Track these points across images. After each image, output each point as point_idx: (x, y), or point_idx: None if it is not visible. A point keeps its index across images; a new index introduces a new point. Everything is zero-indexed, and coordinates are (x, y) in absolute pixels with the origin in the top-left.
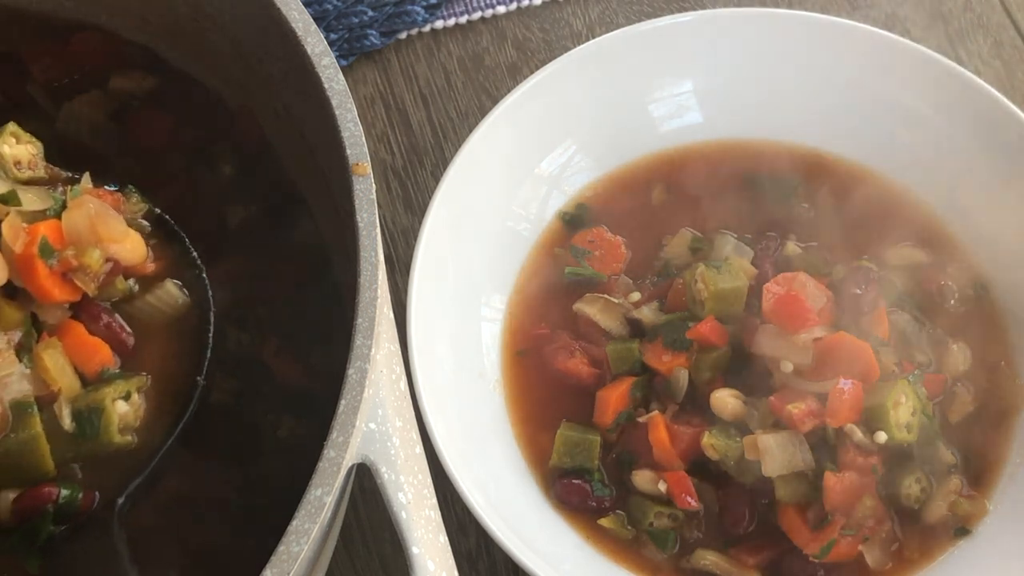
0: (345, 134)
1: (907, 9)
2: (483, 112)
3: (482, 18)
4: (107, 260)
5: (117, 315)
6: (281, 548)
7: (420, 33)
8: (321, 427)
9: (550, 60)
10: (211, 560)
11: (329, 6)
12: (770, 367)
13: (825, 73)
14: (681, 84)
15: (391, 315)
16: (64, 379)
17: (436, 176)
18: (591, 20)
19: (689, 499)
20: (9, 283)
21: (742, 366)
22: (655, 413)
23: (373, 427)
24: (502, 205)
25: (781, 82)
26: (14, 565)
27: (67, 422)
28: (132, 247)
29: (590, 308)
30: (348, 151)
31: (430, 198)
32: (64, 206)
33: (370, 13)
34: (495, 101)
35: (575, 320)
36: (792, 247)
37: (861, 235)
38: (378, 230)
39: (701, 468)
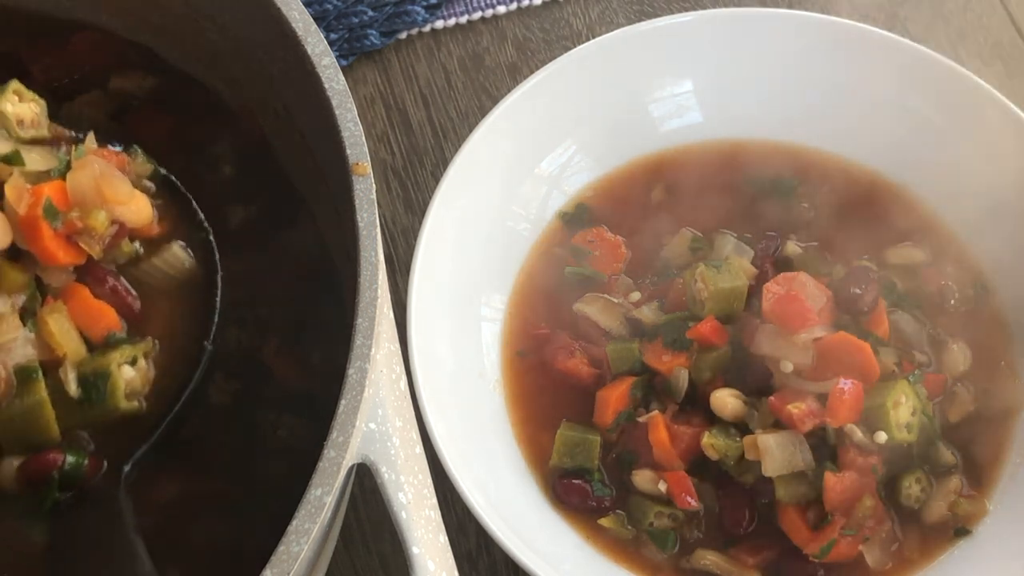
0: (345, 134)
1: (907, 9)
2: (483, 112)
3: (482, 18)
4: (113, 222)
5: (123, 278)
6: (281, 548)
7: (420, 33)
8: (321, 427)
9: (550, 60)
10: (211, 560)
11: (329, 6)
12: (770, 367)
13: (825, 73)
14: (681, 84)
15: (391, 315)
16: (69, 344)
17: (436, 176)
18: (591, 20)
19: (689, 499)
20: (13, 246)
21: (742, 366)
22: (655, 413)
23: (373, 427)
24: (502, 205)
25: (781, 82)
26: (19, 532)
27: (73, 387)
28: (138, 209)
29: (590, 308)
30: (348, 151)
31: (430, 198)
32: (68, 166)
33: (370, 13)
34: (495, 101)
35: (575, 320)
36: (792, 247)
37: (861, 235)
38: (378, 230)
39: (701, 468)
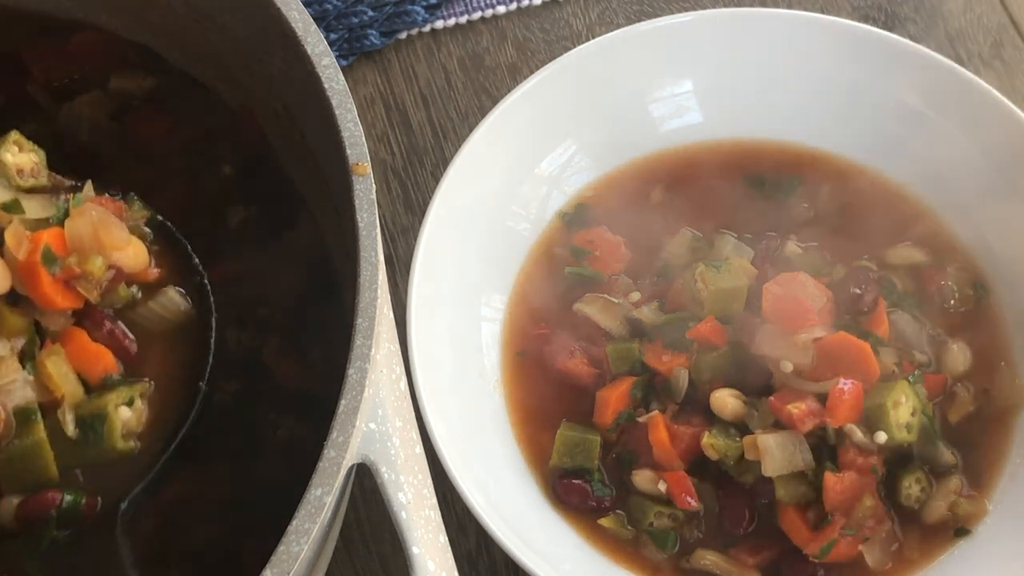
0: (345, 134)
1: (907, 9)
2: (483, 112)
3: (482, 18)
4: (110, 267)
5: (120, 322)
6: (281, 548)
7: (420, 33)
8: (321, 427)
9: (550, 60)
10: (211, 560)
11: (329, 6)
12: (770, 367)
13: (825, 73)
14: (681, 84)
15: (391, 315)
16: (67, 386)
17: (436, 176)
18: (591, 20)
19: (689, 499)
20: (12, 291)
21: (742, 366)
22: (655, 413)
23: (373, 427)
24: (502, 205)
25: (781, 82)
26: (17, 570)
27: (70, 428)
28: (135, 254)
29: (590, 308)
30: (348, 151)
31: (430, 198)
32: (67, 214)
33: (370, 13)
34: (495, 101)
35: (575, 320)
36: (792, 247)
37: (861, 235)
38: (378, 230)
39: (701, 468)
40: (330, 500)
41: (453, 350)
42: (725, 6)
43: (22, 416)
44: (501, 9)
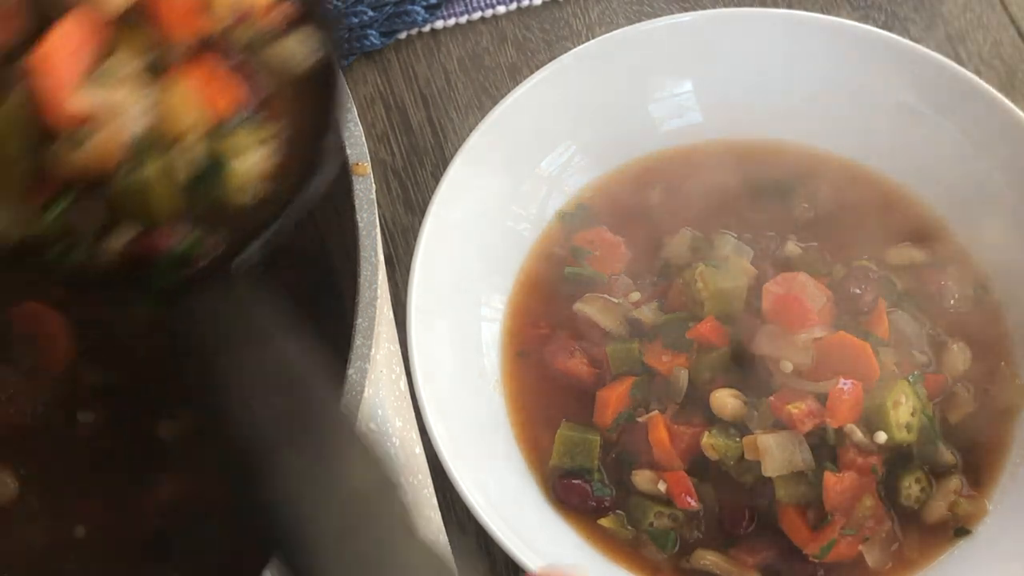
0: (345, 134)
1: (907, 9)
2: (483, 112)
3: (482, 18)
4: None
5: (247, 59)
6: None
7: (420, 33)
8: None
9: (550, 60)
10: (211, 560)
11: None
12: (770, 367)
13: (825, 73)
14: (681, 84)
15: (391, 315)
16: (189, 120)
17: (436, 176)
18: (591, 20)
19: (689, 499)
20: (135, 8)
21: (742, 366)
22: (655, 413)
23: (373, 427)
24: (502, 205)
25: (781, 82)
26: (125, 315)
27: (187, 168)
28: None
29: (590, 308)
30: (348, 151)
31: (430, 198)
32: None
33: (370, 13)
34: (495, 101)
35: (575, 320)
36: (792, 247)
37: (861, 235)
38: (378, 230)
39: (701, 468)
40: None
41: (453, 350)
42: (725, 6)
43: (139, 146)
44: (501, 9)
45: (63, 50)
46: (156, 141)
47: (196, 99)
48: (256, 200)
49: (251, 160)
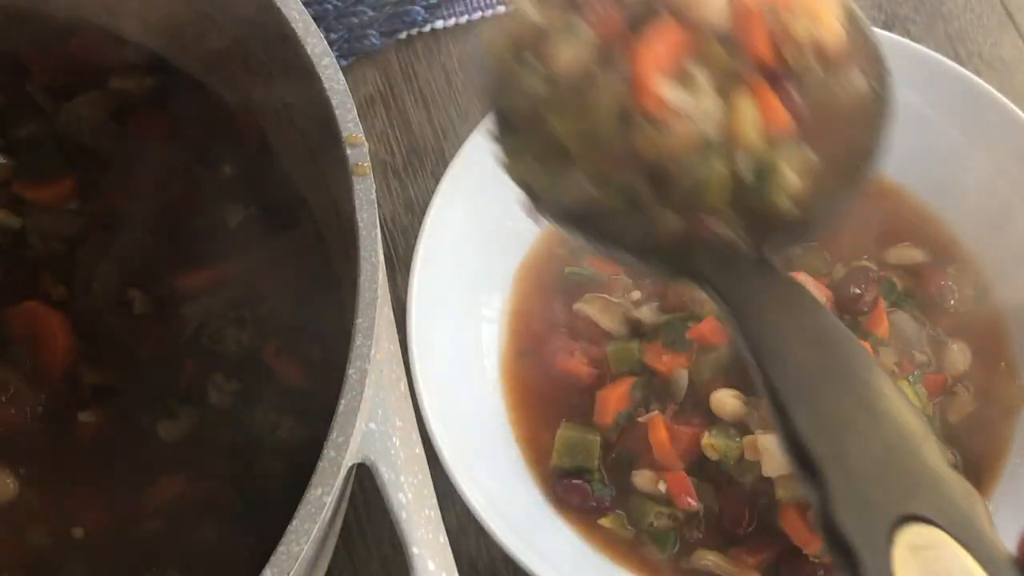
0: (345, 134)
1: (907, 9)
2: (483, 112)
3: (482, 18)
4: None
5: (798, 87)
6: (281, 548)
7: (420, 33)
8: (321, 427)
9: None
10: (211, 560)
11: (329, 6)
12: None
13: None
14: None
15: (391, 315)
16: (749, 129)
17: (436, 176)
18: None
19: (689, 499)
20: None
21: (742, 366)
22: (655, 413)
23: (373, 427)
24: (502, 205)
25: None
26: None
27: (745, 171)
28: (832, 30)
29: (590, 308)
30: (348, 151)
31: (430, 198)
32: None
33: (370, 13)
34: None
35: (575, 320)
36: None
37: (861, 235)
38: (378, 230)
39: (701, 468)
40: (330, 500)
41: (453, 350)
42: None
43: (708, 145)
44: (501, 9)
45: (662, 43)
46: (722, 143)
47: (758, 117)
48: (794, 208)
49: (796, 174)
